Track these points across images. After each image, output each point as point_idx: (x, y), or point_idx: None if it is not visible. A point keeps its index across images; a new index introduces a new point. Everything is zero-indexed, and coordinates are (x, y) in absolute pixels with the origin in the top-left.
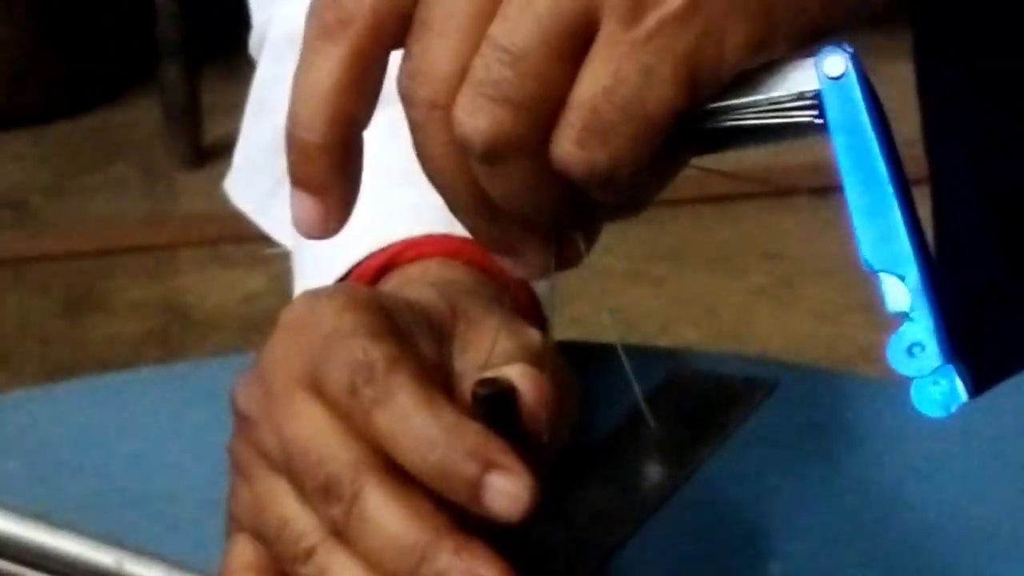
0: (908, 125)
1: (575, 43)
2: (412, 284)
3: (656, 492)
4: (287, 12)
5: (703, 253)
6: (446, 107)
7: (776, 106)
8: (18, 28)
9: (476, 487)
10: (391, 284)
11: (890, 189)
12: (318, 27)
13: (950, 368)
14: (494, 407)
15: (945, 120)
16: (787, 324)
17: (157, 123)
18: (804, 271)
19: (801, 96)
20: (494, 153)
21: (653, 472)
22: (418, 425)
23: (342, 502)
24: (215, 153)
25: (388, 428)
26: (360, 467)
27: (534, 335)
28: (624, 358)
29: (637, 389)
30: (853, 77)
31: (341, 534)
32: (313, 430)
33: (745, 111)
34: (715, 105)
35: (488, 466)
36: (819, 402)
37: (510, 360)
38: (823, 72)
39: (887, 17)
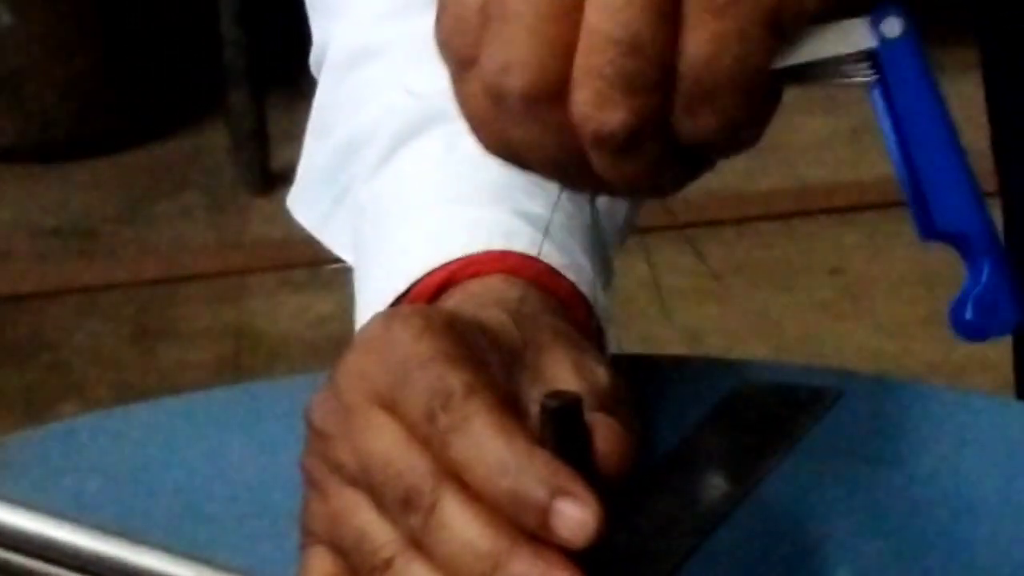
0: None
1: (671, 12)
2: (475, 302)
3: (722, 502)
4: (345, 30)
5: (768, 270)
6: (553, 100)
7: (836, 65)
8: (86, 59)
9: (545, 513)
10: (452, 301)
11: (957, 147)
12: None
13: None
14: (563, 419)
15: (1015, 133)
16: (852, 339)
17: (225, 150)
18: (869, 286)
19: (862, 55)
20: (634, 142)
21: (719, 483)
22: (492, 452)
23: (421, 512)
24: (283, 179)
25: (463, 454)
26: (439, 478)
27: (601, 374)
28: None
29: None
30: (912, 37)
31: (419, 544)
32: (391, 444)
33: (808, 70)
34: (781, 66)
35: (557, 493)
36: (883, 411)
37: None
38: (881, 31)
39: None
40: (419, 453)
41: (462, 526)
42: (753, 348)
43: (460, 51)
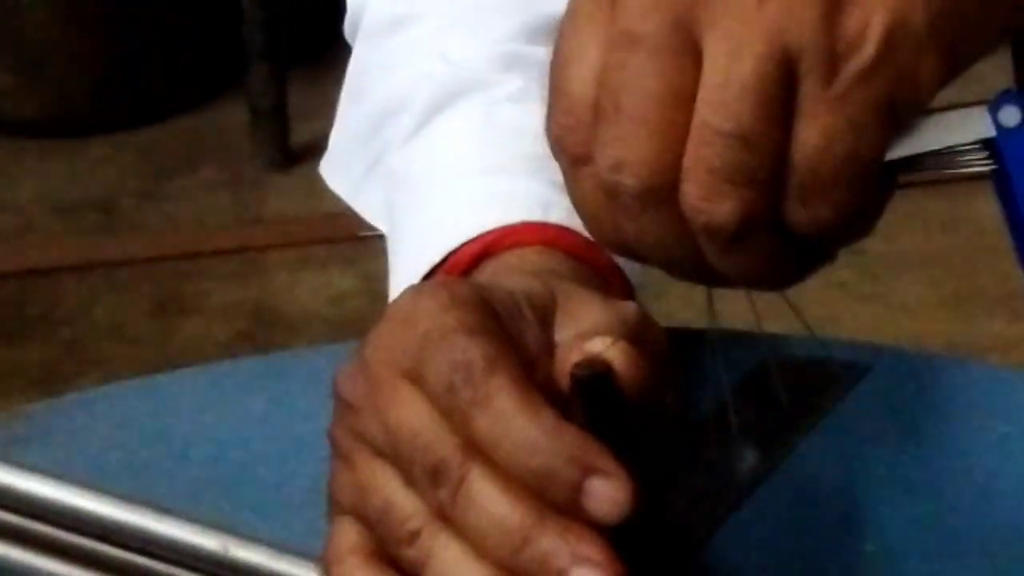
0: None
1: (783, 104)
2: (510, 273)
3: (750, 476)
4: None
5: None
6: (666, 194)
7: (952, 154)
8: (105, 34)
9: (576, 491)
10: (487, 272)
11: None
12: None
13: None
14: (593, 388)
15: None
16: (872, 319)
17: (245, 127)
18: (889, 266)
19: (979, 144)
20: (745, 233)
21: (747, 456)
22: (517, 429)
23: (449, 485)
24: (303, 155)
25: (487, 431)
26: (467, 452)
27: (630, 307)
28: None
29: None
30: None
31: (446, 517)
32: (419, 416)
33: (923, 160)
34: (897, 157)
35: (588, 471)
36: (911, 384)
37: (607, 331)
38: (999, 120)
39: None
40: (446, 426)
41: (491, 501)
42: (774, 328)
43: (574, 148)
